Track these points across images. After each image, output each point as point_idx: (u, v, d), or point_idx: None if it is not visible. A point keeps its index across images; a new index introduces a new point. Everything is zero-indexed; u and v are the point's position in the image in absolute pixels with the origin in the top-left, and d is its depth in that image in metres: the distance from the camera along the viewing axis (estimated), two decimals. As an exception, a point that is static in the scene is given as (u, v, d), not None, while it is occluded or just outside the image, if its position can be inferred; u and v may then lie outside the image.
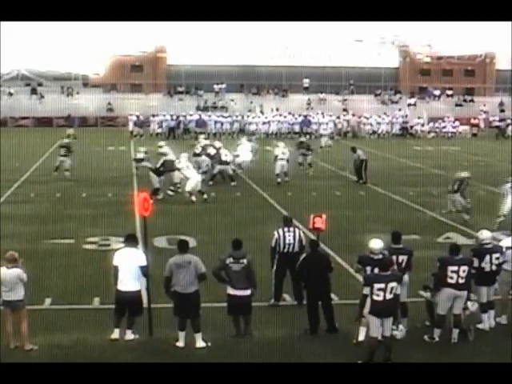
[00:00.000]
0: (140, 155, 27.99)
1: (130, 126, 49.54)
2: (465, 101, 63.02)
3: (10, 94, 58.34)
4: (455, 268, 11.64)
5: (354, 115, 53.09)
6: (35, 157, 33.70)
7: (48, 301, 13.43)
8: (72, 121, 53.62)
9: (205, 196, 23.43)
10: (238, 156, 29.55)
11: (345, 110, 56.80)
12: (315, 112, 53.70)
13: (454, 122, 53.03)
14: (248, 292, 11.83)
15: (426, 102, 62.06)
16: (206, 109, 56.57)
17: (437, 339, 11.77)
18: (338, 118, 52.41)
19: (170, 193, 24.36)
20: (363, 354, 10.79)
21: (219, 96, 60.32)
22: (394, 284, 10.79)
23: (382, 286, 10.71)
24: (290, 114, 51.76)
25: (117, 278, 11.73)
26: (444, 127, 52.26)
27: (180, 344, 11.48)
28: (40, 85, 61.98)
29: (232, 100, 59.08)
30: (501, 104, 61.28)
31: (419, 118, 53.32)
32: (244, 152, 30.18)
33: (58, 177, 28.51)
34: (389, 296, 10.74)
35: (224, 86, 61.05)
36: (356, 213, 21.85)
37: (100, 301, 13.33)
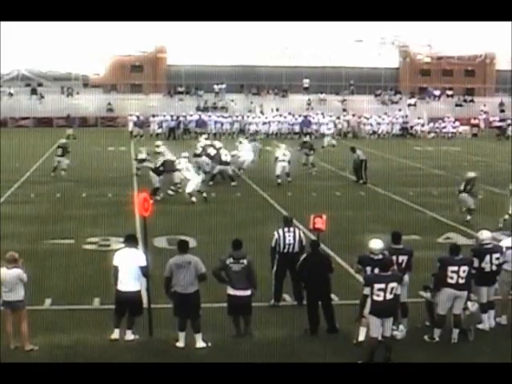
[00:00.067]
0: (142, 155, 28.10)
1: (130, 127, 49.54)
2: (465, 101, 63.02)
3: (10, 95, 58.35)
4: (455, 268, 11.64)
5: (354, 115, 53.11)
6: (35, 157, 33.71)
7: (48, 301, 13.42)
8: (72, 121, 53.61)
9: (204, 194, 23.44)
10: (239, 156, 29.66)
11: (344, 110, 56.84)
12: (315, 112, 53.74)
13: (454, 123, 53.02)
14: (248, 292, 11.83)
15: (426, 102, 62.06)
16: (206, 109, 56.59)
17: (437, 339, 11.77)
18: (338, 118, 52.42)
19: (170, 192, 24.37)
20: (363, 354, 10.79)
21: (219, 96, 60.32)
22: (394, 284, 10.79)
23: (383, 286, 10.71)
24: (290, 114, 51.74)
25: (117, 278, 11.73)
26: (444, 127, 52.26)
27: (180, 344, 11.47)
28: (40, 85, 61.99)
29: (232, 100, 59.08)
30: (501, 104, 61.28)
31: (419, 118, 53.33)
32: (245, 152, 30.30)
33: (57, 177, 28.54)
34: (389, 296, 10.73)
35: (224, 86, 61.04)
36: (356, 213, 21.85)
37: (100, 301, 13.33)
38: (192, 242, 14.98)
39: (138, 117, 49.92)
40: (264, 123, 50.93)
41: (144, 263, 11.74)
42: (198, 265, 11.56)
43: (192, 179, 23.44)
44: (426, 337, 11.84)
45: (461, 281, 11.64)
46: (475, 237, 13.11)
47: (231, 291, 11.84)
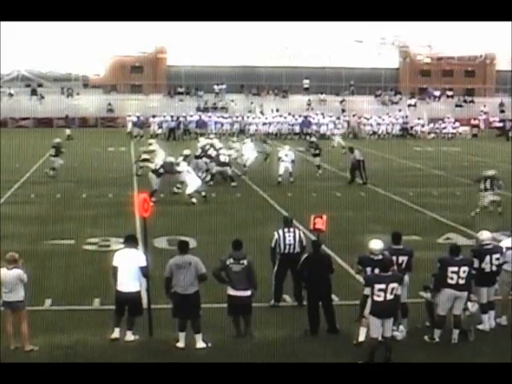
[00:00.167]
0: (145, 156, 28.27)
1: (129, 128, 49.58)
2: (465, 101, 63.04)
3: (11, 95, 58.39)
4: (455, 269, 11.63)
5: (354, 116, 53.11)
6: (35, 157, 33.69)
7: (48, 301, 13.41)
8: (70, 121, 53.61)
9: (203, 194, 23.44)
10: (242, 155, 30.08)
11: (343, 110, 56.84)
12: (315, 113, 53.74)
13: (454, 123, 53.04)
14: (248, 293, 11.82)
15: (426, 102, 62.08)
16: (206, 109, 56.63)
17: (437, 340, 11.76)
18: (338, 118, 52.43)
19: (176, 190, 24.46)
20: (363, 354, 10.78)
21: (219, 97, 60.35)
22: (394, 285, 10.78)
23: (383, 286, 10.70)
24: (290, 114, 51.76)
25: (116, 278, 11.73)
26: (444, 128, 52.28)
27: (180, 345, 11.46)
28: (40, 86, 62.04)
29: (232, 101, 59.11)
30: (501, 105, 61.29)
31: (419, 118, 53.35)
32: (248, 151, 30.61)
33: (57, 178, 28.52)
34: (389, 297, 10.72)
35: (224, 86, 61.07)
36: (356, 213, 21.85)
37: (100, 302, 13.32)
38: (192, 243, 14.95)
39: (138, 117, 49.95)
40: (264, 124, 50.96)
41: (144, 263, 11.73)
42: (198, 265, 11.55)
43: (193, 182, 23.45)
44: (426, 337, 11.83)
45: (461, 281, 11.63)
46: (475, 237, 13.10)
47: (231, 292, 11.84)
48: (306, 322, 12.08)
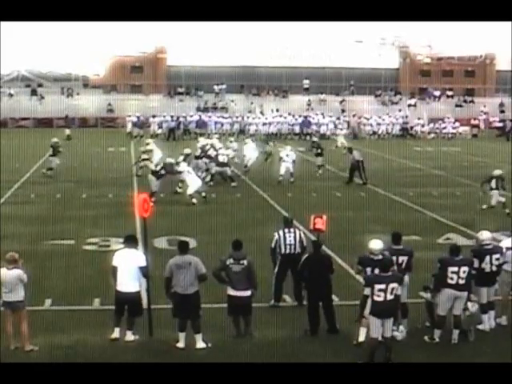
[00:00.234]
0: (144, 156, 28.49)
1: (128, 128, 49.59)
2: (465, 101, 63.04)
3: (11, 95, 58.39)
4: (455, 269, 11.62)
5: (354, 116, 53.11)
6: (35, 158, 33.68)
7: (48, 302, 13.41)
8: (70, 121, 53.61)
9: (203, 194, 23.44)
10: (244, 155, 30.33)
11: (343, 111, 56.82)
12: (315, 113, 53.74)
13: (454, 123, 53.05)
14: (248, 293, 11.82)
15: (426, 102, 62.09)
16: (206, 109, 56.63)
17: (437, 340, 11.76)
18: (339, 118, 52.43)
19: (178, 190, 24.58)
20: (363, 354, 10.78)
21: (219, 97, 60.35)
22: (394, 285, 10.78)
23: (383, 286, 10.70)
24: (290, 114, 51.76)
25: (115, 278, 11.73)
26: (444, 128, 52.29)
27: (180, 345, 11.46)
28: (40, 86, 62.04)
29: (232, 101, 59.11)
30: (501, 105, 61.30)
31: (419, 118, 53.35)
32: (250, 151, 30.75)
33: (57, 178, 28.52)
34: (389, 297, 10.72)
35: (224, 86, 61.07)
36: (356, 214, 21.85)
37: (100, 302, 13.32)
38: (192, 243, 14.94)
39: (138, 117, 49.95)
40: (264, 124, 50.95)
41: (144, 264, 11.73)
42: (198, 265, 11.55)
43: (193, 182, 23.45)
44: (426, 337, 11.83)
45: (461, 281, 11.62)
46: (475, 237, 13.10)
47: (231, 292, 11.84)
48: (305, 322, 12.08)
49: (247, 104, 58.07)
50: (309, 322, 12.08)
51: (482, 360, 10.72)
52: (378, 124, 51.91)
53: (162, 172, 24.02)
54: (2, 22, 34.48)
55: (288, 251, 13.38)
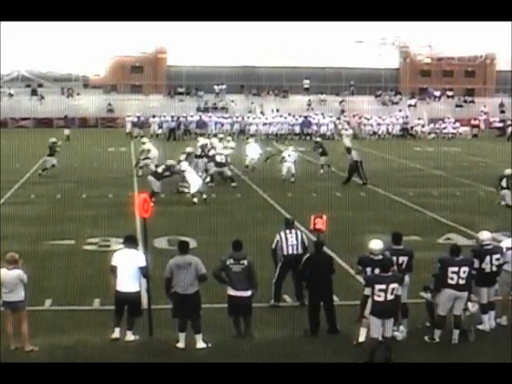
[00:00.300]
0: (144, 155, 28.50)
1: (128, 128, 49.58)
2: (465, 102, 63.02)
3: (11, 95, 58.38)
4: (455, 269, 11.62)
5: (354, 116, 53.11)
6: (35, 158, 33.62)
7: (48, 302, 13.41)
8: (70, 122, 53.60)
9: (204, 196, 23.43)
10: (246, 155, 30.52)
11: (343, 111, 56.81)
12: (315, 113, 53.74)
13: (454, 123, 53.03)
14: (248, 293, 11.82)
15: (426, 102, 62.07)
16: (206, 110, 56.62)
17: (437, 340, 11.76)
18: (339, 118, 52.44)
19: (185, 190, 24.50)
20: (364, 354, 10.77)
21: (219, 97, 60.34)
22: (395, 285, 10.78)
23: (383, 286, 10.70)
24: (290, 114, 51.74)
25: (115, 277, 11.73)
26: (444, 128, 52.28)
27: (180, 345, 11.46)
28: (40, 86, 62.02)
29: (232, 101, 59.10)
30: (501, 105, 61.28)
31: (419, 118, 53.35)
32: (252, 151, 30.91)
33: (57, 178, 28.53)
34: (390, 297, 10.72)
35: (224, 86, 61.07)
36: (356, 214, 21.85)
37: (100, 302, 13.32)
38: (192, 243, 14.94)
39: (138, 117, 49.94)
40: (264, 124, 50.92)
41: (144, 264, 11.73)
42: (199, 265, 11.55)
43: (194, 182, 23.44)
44: (426, 337, 11.83)
45: (461, 281, 11.62)
46: (475, 237, 13.10)
47: (231, 292, 11.83)
48: (306, 322, 12.08)
49: (247, 104, 58.06)
50: (309, 322, 12.08)
51: (482, 360, 10.72)
52: (379, 124, 51.90)
53: (167, 174, 23.94)
54: (2, 22, 34.48)
55: (290, 252, 13.38)
